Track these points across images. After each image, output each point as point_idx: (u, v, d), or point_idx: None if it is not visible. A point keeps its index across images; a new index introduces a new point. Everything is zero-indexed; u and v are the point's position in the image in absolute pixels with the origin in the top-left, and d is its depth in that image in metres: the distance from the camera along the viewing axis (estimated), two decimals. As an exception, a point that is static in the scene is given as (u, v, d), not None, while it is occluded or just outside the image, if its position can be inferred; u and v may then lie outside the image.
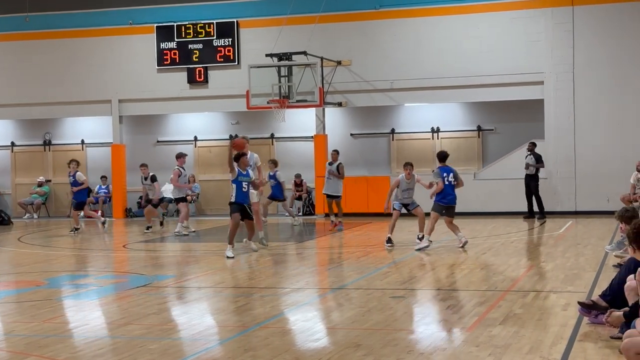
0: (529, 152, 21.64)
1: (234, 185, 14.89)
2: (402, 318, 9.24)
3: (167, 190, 26.02)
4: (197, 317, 9.50)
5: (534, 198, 21.52)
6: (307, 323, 8.96)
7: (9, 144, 28.07)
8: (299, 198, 25.22)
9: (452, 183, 15.54)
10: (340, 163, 20.12)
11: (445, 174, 15.53)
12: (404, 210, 16.35)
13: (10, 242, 19.34)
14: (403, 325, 8.84)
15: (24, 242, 18.93)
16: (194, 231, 20.12)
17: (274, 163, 21.08)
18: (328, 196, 20.10)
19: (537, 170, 21.53)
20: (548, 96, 22.79)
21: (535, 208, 21.52)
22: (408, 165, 16.35)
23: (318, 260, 15.33)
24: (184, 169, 19.84)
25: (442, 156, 15.83)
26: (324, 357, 7.33)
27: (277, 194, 20.86)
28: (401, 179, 16.24)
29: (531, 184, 21.45)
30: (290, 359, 7.27)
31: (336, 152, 20.59)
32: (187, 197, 20.41)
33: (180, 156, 19.93)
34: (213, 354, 7.68)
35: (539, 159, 21.56)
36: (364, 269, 13.14)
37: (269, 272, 13.24)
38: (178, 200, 20.00)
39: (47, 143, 27.90)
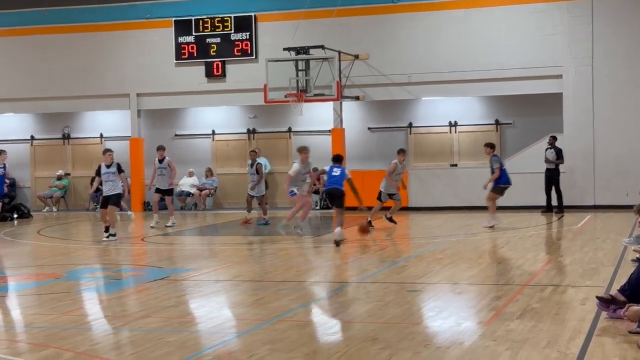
0: (549, 146, 21.53)
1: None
2: (419, 312, 9.24)
3: (185, 184, 26.19)
4: (214, 310, 9.54)
5: (553, 192, 21.42)
6: (325, 316, 8.98)
7: (29, 138, 28.25)
8: (316, 192, 25.21)
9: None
10: (258, 163, 20.03)
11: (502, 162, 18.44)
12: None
13: (29, 235, 19.48)
14: (420, 319, 8.84)
15: (44, 235, 19.05)
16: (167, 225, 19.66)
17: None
18: (251, 196, 20.02)
19: (557, 163, 21.45)
20: (567, 90, 22.67)
21: (554, 202, 21.43)
22: (403, 152, 18.82)
23: (335, 254, 15.34)
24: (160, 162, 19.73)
25: (494, 145, 18.65)
26: (341, 350, 7.35)
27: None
28: (397, 164, 18.32)
29: (553, 177, 21.34)
30: (307, 352, 7.28)
31: (254, 152, 20.47)
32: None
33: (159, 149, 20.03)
34: (230, 347, 7.71)
35: (559, 153, 21.46)
36: (380, 263, 13.14)
37: (286, 265, 13.27)
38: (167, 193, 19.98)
39: (66, 137, 28.06)
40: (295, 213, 16.93)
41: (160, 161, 19.78)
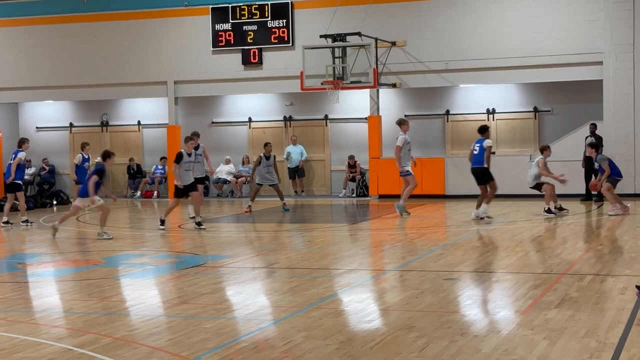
0: (590, 134, 21.30)
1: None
2: (455, 300, 9.19)
3: (222, 171, 26.31)
4: (251, 297, 9.58)
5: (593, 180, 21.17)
6: (361, 304, 8.98)
7: (68, 125, 28.56)
8: (353, 179, 25.21)
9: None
10: (274, 155, 20.71)
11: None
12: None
13: (68, 221, 19.67)
14: (456, 308, 8.79)
15: (82, 222, 19.26)
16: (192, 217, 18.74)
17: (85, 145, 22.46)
18: (259, 184, 20.53)
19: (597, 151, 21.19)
20: (607, 76, 22.36)
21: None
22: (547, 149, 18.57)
23: (371, 241, 15.33)
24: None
25: (597, 144, 19.02)
26: (377, 338, 7.34)
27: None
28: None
29: (592, 165, 21.10)
30: (343, 340, 7.28)
31: (270, 145, 20.80)
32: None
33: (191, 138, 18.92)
34: (266, 334, 7.73)
35: (599, 141, 21.20)
36: (417, 251, 13.10)
37: (323, 253, 13.28)
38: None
39: (104, 124, 28.31)
40: (410, 192, 18.06)
41: (196, 148, 19.46)
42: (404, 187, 18.30)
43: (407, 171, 18.01)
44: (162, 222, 16.93)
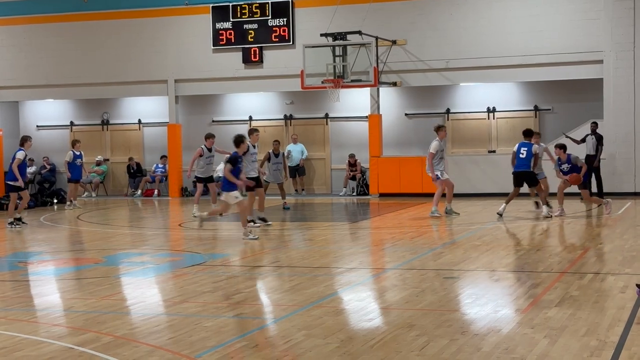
0: (590, 133, 21.28)
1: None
2: (455, 299, 9.19)
3: (220, 169, 26.28)
4: (251, 295, 9.58)
5: (594, 178, 21.15)
6: (361, 303, 8.98)
7: (68, 124, 28.56)
8: (353, 178, 25.22)
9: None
10: (283, 152, 21.04)
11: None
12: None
13: (69, 220, 19.71)
14: (457, 307, 8.79)
15: (83, 220, 19.27)
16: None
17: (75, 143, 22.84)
18: (267, 181, 20.34)
19: (598, 150, 21.16)
20: (607, 75, 22.36)
21: (594, 189, 21.16)
22: (537, 135, 18.17)
23: (372, 240, 15.33)
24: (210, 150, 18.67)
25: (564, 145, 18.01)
26: (377, 337, 7.34)
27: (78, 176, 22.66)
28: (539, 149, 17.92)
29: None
30: (343, 339, 7.29)
31: (278, 143, 21.20)
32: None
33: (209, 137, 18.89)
34: (267, 332, 7.73)
35: (600, 140, 21.20)
36: (417, 249, 13.10)
37: (323, 251, 13.28)
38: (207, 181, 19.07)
39: (105, 123, 28.32)
40: (439, 197, 17.67)
41: (210, 149, 18.89)
42: (439, 192, 17.71)
43: (437, 176, 17.64)
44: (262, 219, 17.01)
